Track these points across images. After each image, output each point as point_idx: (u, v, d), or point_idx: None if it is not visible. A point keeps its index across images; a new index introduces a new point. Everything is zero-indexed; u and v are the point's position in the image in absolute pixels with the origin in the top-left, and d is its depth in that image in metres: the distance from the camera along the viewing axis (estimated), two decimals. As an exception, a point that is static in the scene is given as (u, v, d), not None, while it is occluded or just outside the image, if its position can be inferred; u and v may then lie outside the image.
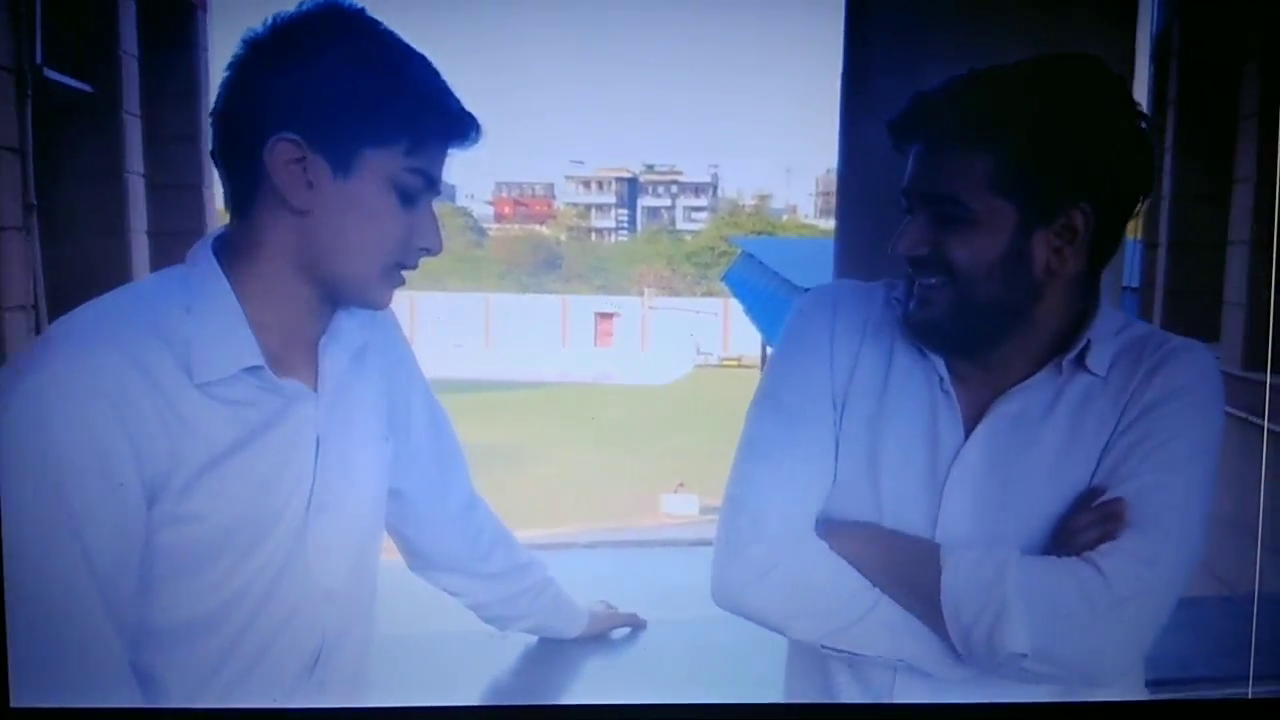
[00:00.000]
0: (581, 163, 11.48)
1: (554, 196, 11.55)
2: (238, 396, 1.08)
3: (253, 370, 1.08)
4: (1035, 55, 1.08)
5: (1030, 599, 1.07)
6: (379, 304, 1.15)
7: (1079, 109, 1.07)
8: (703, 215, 10.17)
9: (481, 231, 12.49)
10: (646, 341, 9.51)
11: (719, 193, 10.40)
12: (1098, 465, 1.12)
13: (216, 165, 1.10)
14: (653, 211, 10.35)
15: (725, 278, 7.60)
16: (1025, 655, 1.07)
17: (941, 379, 1.16)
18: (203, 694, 1.04)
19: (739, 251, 7.02)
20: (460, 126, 1.11)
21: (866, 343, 1.19)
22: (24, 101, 3.12)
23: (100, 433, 1.00)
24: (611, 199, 10.73)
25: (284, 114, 1.05)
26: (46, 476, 0.99)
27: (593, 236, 10.87)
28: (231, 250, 1.10)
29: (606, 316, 9.74)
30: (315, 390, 1.15)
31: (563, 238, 11.20)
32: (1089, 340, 1.13)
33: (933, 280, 1.11)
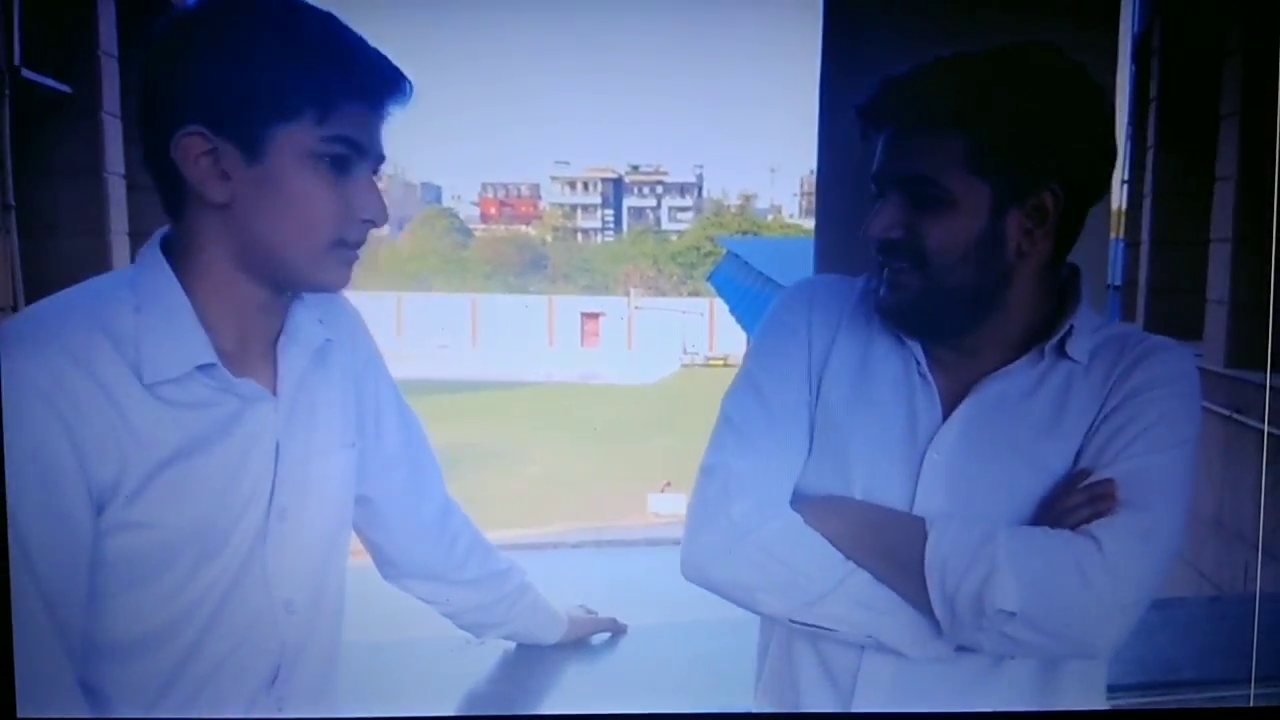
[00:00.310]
0: (567, 163, 11.49)
1: (540, 197, 11.57)
2: (190, 398, 1.02)
3: (206, 369, 1.01)
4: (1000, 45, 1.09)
5: (1022, 564, 1.06)
6: (332, 285, 1.06)
7: (1046, 91, 1.07)
8: (688, 215, 10.20)
9: (467, 232, 12.48)
10: (632, 341, 9.54)
11: (704, 193, 10.44)
12: (1081, 449, 1.12)
13: (144, 170, 1.05)
14: (638, 212, 10.36)
15: (710, 277, 7.60)
16: (1014, 614, 1.07)
17: (919, 363, 1.15)
18: (155, 711, 1.00)
19: (724, 251, 7.02)
20: (376, 83, 1.01)
21: (843, 330, 1.18)
22: (1, 102, 3.08)
23: (42, 437, 0.96)
24: (597, 199, 10.73)
25: (185, 106, 0.98)
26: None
27: (578, 237, 10.87)
28: (177, 249, 1.05)
29: (592, 316, 9.74)
30: (274, 392, 1.09)
31: (548, 238, 11.19)
32: (1071, 326, 1.12)
33: (904, 265, 1.10)
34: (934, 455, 1.12)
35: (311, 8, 1.01)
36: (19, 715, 0.96)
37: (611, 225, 10.13)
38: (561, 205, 10.29)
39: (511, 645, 1.37)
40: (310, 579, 1.09)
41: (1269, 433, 2.43)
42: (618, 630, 1.45)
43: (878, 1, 1.38)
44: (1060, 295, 1.12)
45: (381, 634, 1.37)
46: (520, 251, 10.51)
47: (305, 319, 1.08)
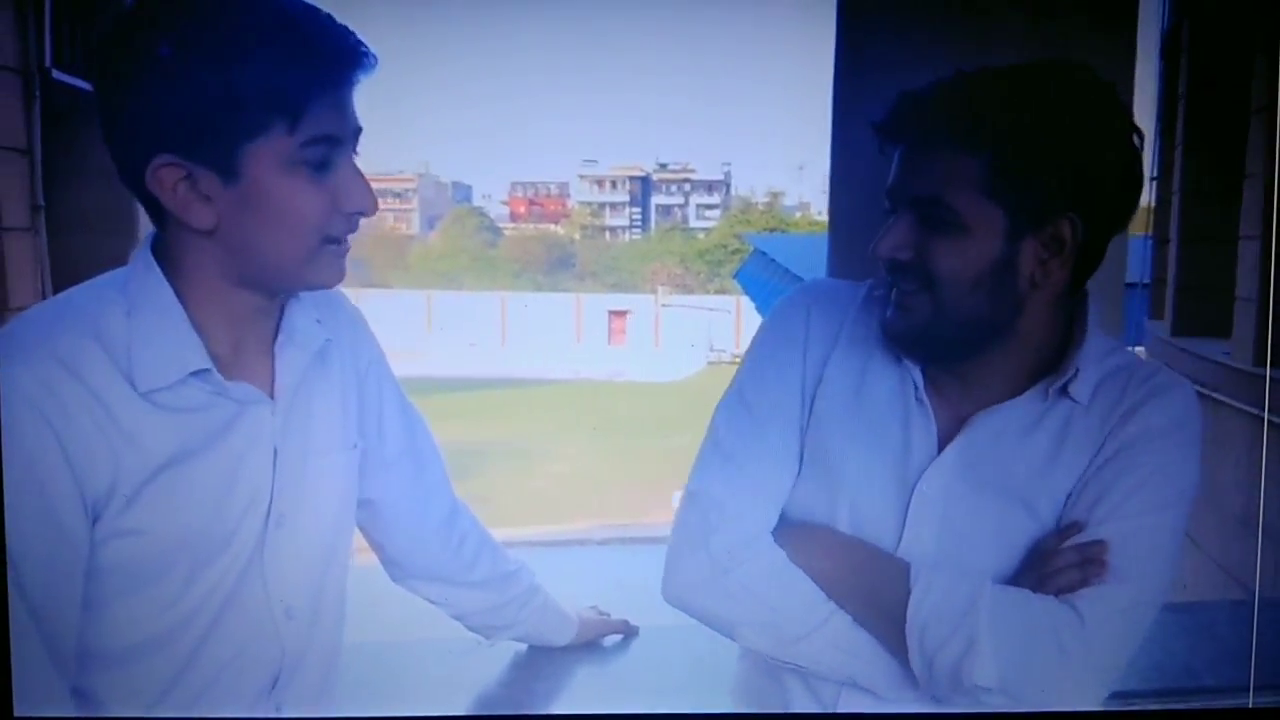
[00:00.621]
0: (595, 162, 11.49)
1: (568, 196, 11.57)
2: (185, 403, 0.99)
3: (200, 374, 0.99)
4: (1026, 59, 1.05)
5: (1002, 637, 1.04)
6: (327, 281, 1.01)
7: (1071, 115, 1.01)
8: (715, 213, 10.16)
9: (496, 231, 12.51)
10: (659, 339, 9.53)
11: (731, 190, 10.41)
12: (1073, 494, 1.09)
13: (126, 189, 1.00)
14: (665, 209, 10.34)
15: (737, 275, 7.58)
16: (990, 689, 1.04)
17: (916, 388, 1.11)
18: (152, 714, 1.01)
19: (751, 249, 7.00)
20: (338, 65, 0.94)
21: (841, 344, 1.14)
22: (32, 103, 3.12)
23: (34, 446, 0.93)
24: (625, 197, 10.72)
25: (152, 136, 0.93)
26: None
27: (606, 235, 10.86)
28: (167, 253, 1.00)
29: (619, 314, 9.74)
30: (272, 395, 1.05)
31: (576, 236, 11.19)
32: (1077, 370, 1.07)
33: (912, 288, 1.06)
34: (925, 488, 1.10)
35: (253, 4, 0.94)
36: (15, 714, 0.96)
37: (639, 223, 10.11)
38: (589, 204, 10.29)
39: (522, 647, 1.38)
40: (310, 584, 1.09)
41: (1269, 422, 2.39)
42: (629, 632, 1.45)
43: (889, 4, 1.36)
44: (1068, 322, 1.09)
45: (391, 634, 1.37)
46: (549, 250, 10.53)
47: (303, 320, 1.06)
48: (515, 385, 9.48)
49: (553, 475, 8.02)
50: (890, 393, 1.14)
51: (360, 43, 0.96)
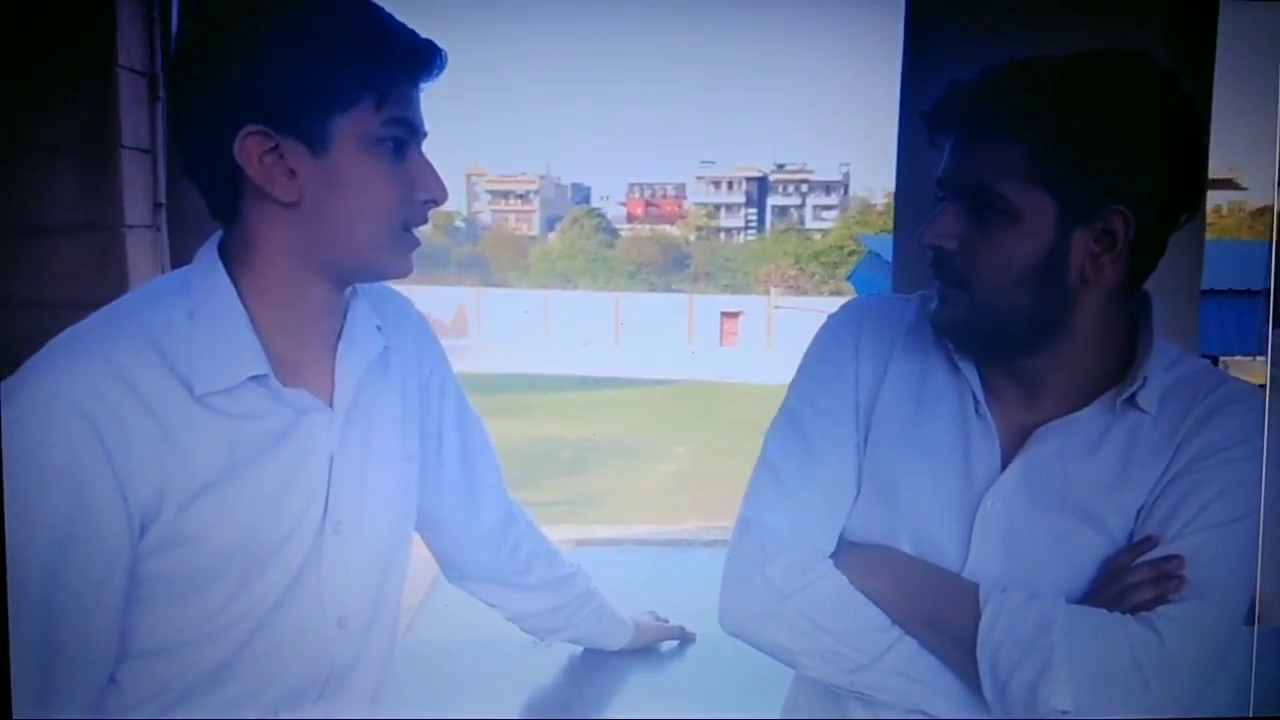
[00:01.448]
0: (712, 163, 11.50)
1: (684, 197, 11.60)
2: (242, 409, 0.99)
3: (258, 379, 0.99)
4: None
5: (1078, 658, 0.99)
6: (398, 271, 1.01)
7: (1126, 104, 0.98)
8: (832, 214, 10.05)
9: (613, 232, 12.62)
10: (771, 341, 9.46)
11: (849, 191, 10.28)
12: (1144, 508, 1.03)
13: (188, 175, 1.01)
14: (782, 210, 10.27)
15: (850, 277, 7.47)
16: (1067, 712, 1.00)
17: (977, 401, 1.06)
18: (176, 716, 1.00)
19: (866, 250, 6.89)
20: (420, 60, 0.99)
21: (896, 357, 1.09)
22: (155, 103, 3.25)
23: (78, 456, 0.94)
24: (741, 198, 10.69)
25: (242, 105, 0.96)
26: (26, 507, 0.92)
27: (721, 236, 10.85)
28: (233, 251, 1.00)
29: (732, 315, 9.72)
30: (332, 401, 1.04)
31: (691, 238, 11.22)
32: (1144, 379, 1.03)
33: (954, 279, 1.01)
34: (989, 505, 1.04)
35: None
36: (14, 716, 0.97)
37: (754, 224, 10.07)
38: (705, 205, 10.30)
39: (577, 649, 1.37)
40: (367, 594, 1.08)
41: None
42: (686, 638, 1.43)
43: (956, 8, 1.30)
44: (1131, 327, 1.04)
45: (448, 634, 1.38)
46: (664, 250, 10.57)
47: (365, 326, 1.05)
48: (627, 385, 9.54)
49: (662, 475, 8.04)
50: (950, 407, 1.09)
51: (437, 47, 1.00)
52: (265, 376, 0.98)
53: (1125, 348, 1.04)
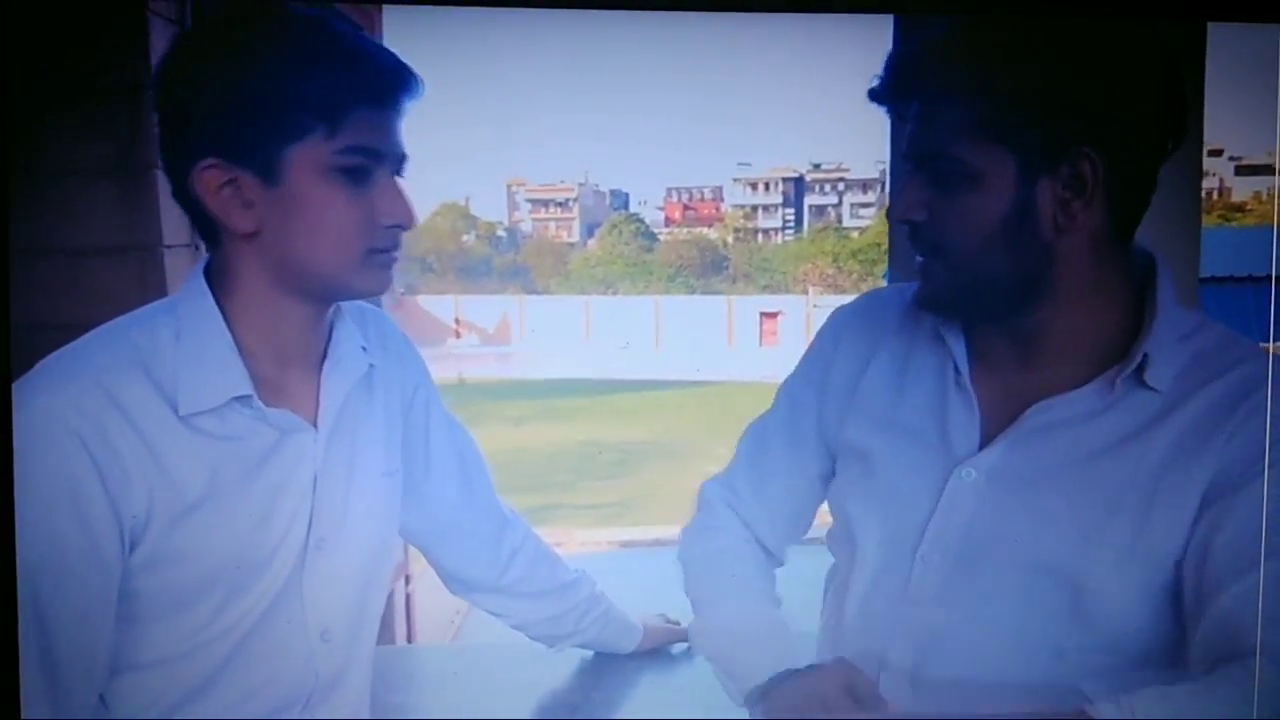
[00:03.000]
0: (749, 164, 11.48)
1: (721, 199, 11.59)
2: (227, 430, 1.00)
3: (243, 400, 1.00)
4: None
5: None
6: (372, 290, 1.03)
7: (1073, 43, 0.94)
8: (869, 211, 10.00)
9: (652, 237, 12.62)
10: (810, 340, 9.39)
11: (886, 188, 10.17)
12: (1191, 537, 0.95)
13: (178, 204, 1.03)
14: (819, 209, 10.23)
15: (888, 274, 7.42)
16: None
17: (958, 373, 1.02)
18: None
19: (902, 248, 6.86)
20: (381, 84, 0.98)
21: (885, 343, 1.06)
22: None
23: (71, 474, 0.95)
24: (778, 199, 10.65)
25: (198, 139, 0.97)
26: (22, 524, 0.96)
27: (759, 237, 10.83)
28: (217, 274, 1.02)
29: (771, 316, 9.69)
30: (316, 421, 1.05)
31: (729, 239, 11.20)
32: (1146, 354, 0.95)
33: (930, 250, 0.98)
34: (966, 474, 1.02)
35: (303, 16, 0.99)
36: (23, 716, 0.98)
37: (792, 224, 10.06)
38: (743, 206, 10.30)
39: (588, 653, 1.38)
40: (350, 607, 1.10)
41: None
42: (696, 640, 1.44)
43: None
44: (1137, 294, 0.99)
45: (478, 634, 1.38)
46: (702, 253, 10.59)
47: (349, 346, 1.07)
48: (668, 387, 9.55)
49: (704, 476, 7.98)
50: (930, 382, 1.05)
51: (405, 69, 0.99)
52: (249, 397, 1.00)
53: (1130, 318, 0.99)
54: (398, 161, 1.00)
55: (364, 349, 1.09)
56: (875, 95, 1.00)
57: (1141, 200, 0.97)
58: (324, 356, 1.07)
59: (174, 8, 3.04)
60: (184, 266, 3.22)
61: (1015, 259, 0.96)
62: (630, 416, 9.02)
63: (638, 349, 9.90)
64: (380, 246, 0.99)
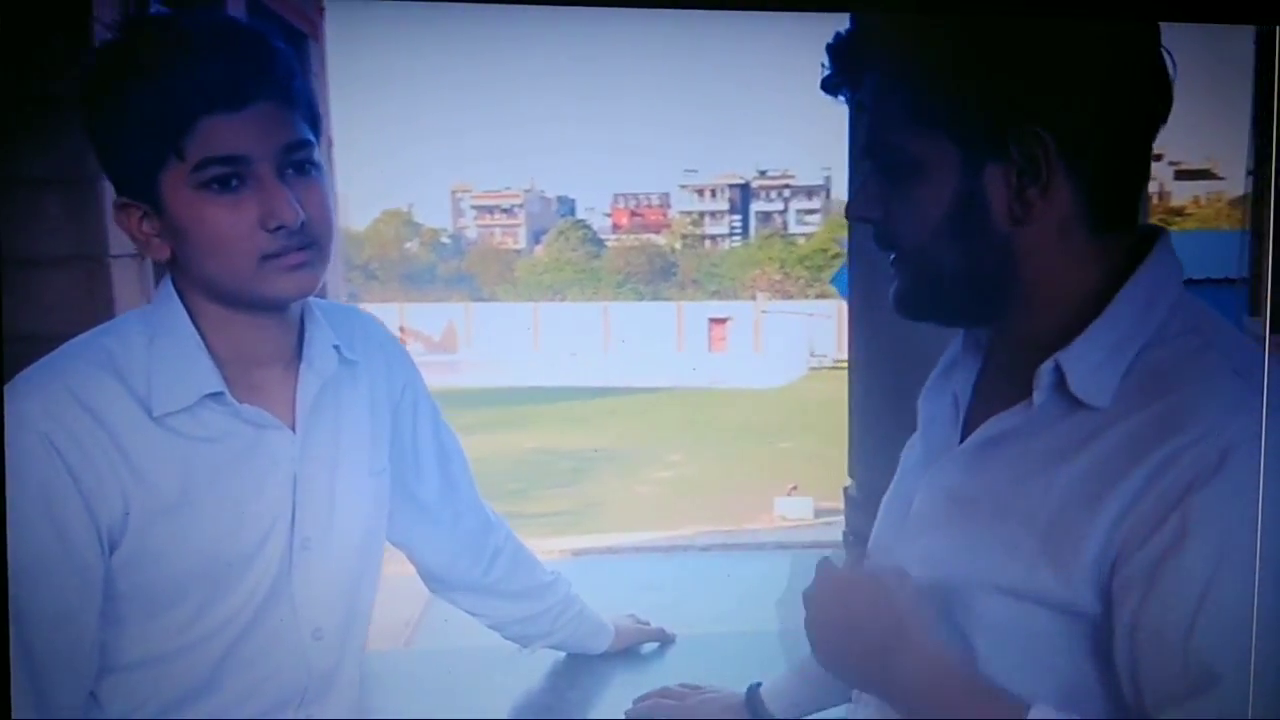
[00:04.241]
0: (695, 171, 11.56)
1: (669, 206, 11.66)
2: (203, 430, 1.02)
3: (215, 397, 1.02)
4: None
5: None
6: (283, 294, 1.01)
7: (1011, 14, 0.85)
8: (815, 218, 10.12)
9: (600, 243, 12.66)
10: (760, 345, 9.53)
11: (831, 195, 10.34)
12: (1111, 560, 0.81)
13: None
14: (765, 216, 10.33)
15: (835, 280, 7.51)
16: None
17: (960, 378, 0.96)
18: None
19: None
20: (219, 88, 0.95)
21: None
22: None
23: (47, 479, 0.97)
24: (725, 205, 10.75)
25: (111, 177, 1.00)
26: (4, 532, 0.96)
27: (706, 243, 10.91)
28: (180, 283, 1.03)
29: (720, 321, 9.78)
30: (294, 420, 1.07)
31: (677, 246, 11.27)
32: (1057, 362, 0.84)
33: (892, 251, 0.91)
34: (919, 505, 0.95)
35: (153, 24, 1.00)
36: (14, 716, 0.98)
37: (739, 230, 10.13)
38: (690, 213, 10.36)
39: (560, 654, 1.40)
40: (340, 606, 1.10)
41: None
42: (666, 640, 1.46)
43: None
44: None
45: (431, 641, 1.41)
46: (650, 260, 10.63)
47: (322, 347, 1.08)
48: (619, 394, 9.57)
49: (657, 481, 8.07)
50: (941, 382, 1.00)
51: (261, 56, 0.97)
52: (221, 394, 1.01)
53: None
54: (282, 154, 0.97)
55: (336, 348, 1.09)
56: (824, 85, 0.93)
57: (1124, 183, 0.87)
58: (301, 358, 1.07)
59: (120, 17, 3.00)
60: (130, 276, 3.16)
61: (971, 256, 0.87)
62: (581, 424, 9.02)
63: (587, 356, 9.91)
64: (270, 251, 0.98)
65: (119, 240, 3.20)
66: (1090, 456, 0.83)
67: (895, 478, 1.03)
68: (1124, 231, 0.86)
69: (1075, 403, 0.84)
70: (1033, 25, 0.83)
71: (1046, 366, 0.85)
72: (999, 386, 0.92)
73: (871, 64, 0.89)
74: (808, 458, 7.73)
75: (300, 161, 0.99)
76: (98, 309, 3.09)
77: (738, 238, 10.31)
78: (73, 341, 1.03)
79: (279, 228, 0.97)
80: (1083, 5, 0.96)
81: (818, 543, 6.63)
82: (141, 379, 1.00)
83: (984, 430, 0.90)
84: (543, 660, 1.39)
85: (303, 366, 1.07)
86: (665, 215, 10.58)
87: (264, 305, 1.03)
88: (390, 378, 1.17)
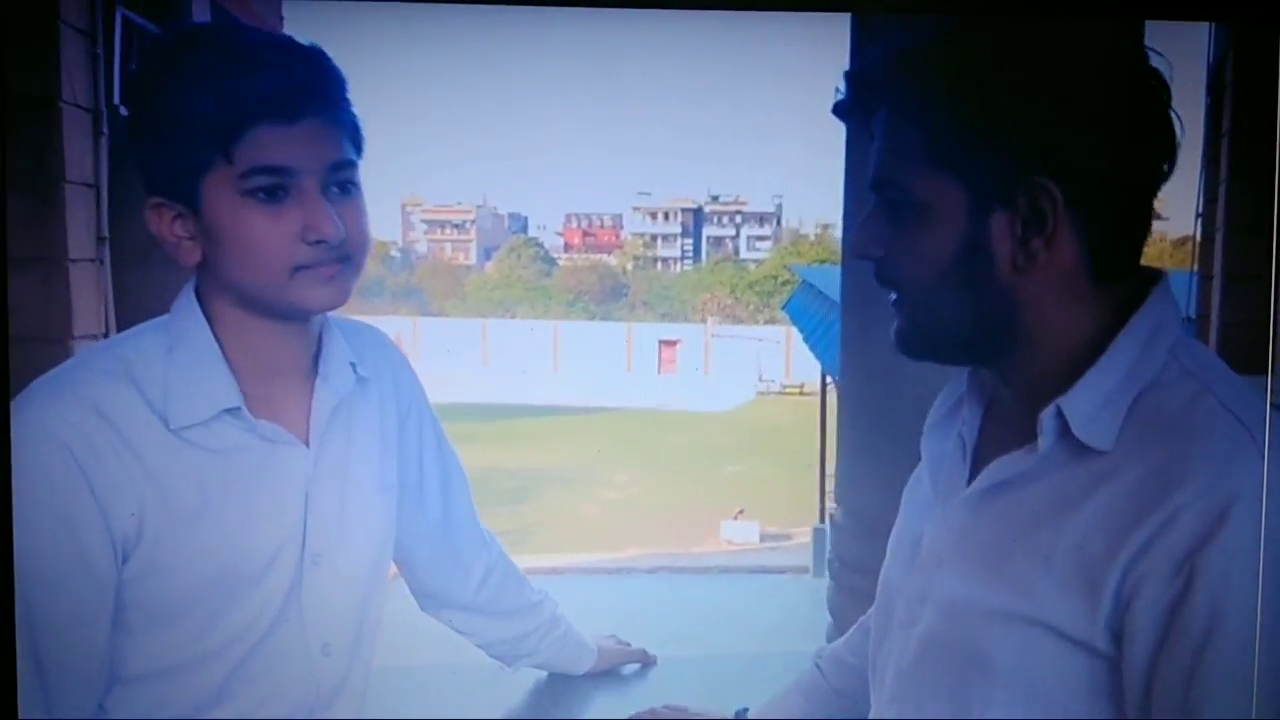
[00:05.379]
0: (648, 194, 11.63)
1: (621, 227, 11.71)
2: (219, 443, 1.02)
3: (232, 412, 1.02)
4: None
5: None
6: (314, 304, 1.02)
7: (1028, 58, 0.84)
8: (766, 244, 10.23)
9: (551, 261, 12.65)
10: (709, 368, 9.59)
11: (782, 222, 10.47)
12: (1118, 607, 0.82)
13: None
14: (717, 241, 10.43)
15: (786, 306, 7.58)
16: None
17: (964, 421, 0.95)
18: None
19: (800, 280, 7.03)
20: (276, 99, 0.97)
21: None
22: (99, 138, 3.24)
23: (63, 487, 0.97)
24: (677, 229, 10.82)
25: (144, 177, 1.00)
26: (15, 540, 0.96)
27: (658, 265, 10.97)
28: (200, 294, 1.04)
29: (670, 344, 9.82)
30: (307, 436, 1.07)
31: (629, 267, 11.32)
32: (1057, 405, 0.84)
33: (891, 290, 0.91)
34: (927, 537, 0.95)
35: (204, 31, 1.01)
36: (20, 717, 0.98)
37: (691, 254, 10.21)
38: (642, 235, 10.41)
39: (543, 674, 1.41)
40: (349, 621, 1.11)
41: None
42: (648, 661, 1.47)
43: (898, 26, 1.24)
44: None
45: (415, 658, 1.41)
46: (601, 280, 10.65)
47: (339, 364, 1.09)
48: (566, 413, 9.56)
49: (603, 503, 8.06)
50: (945, 431, 0.99)
51: (313, 74, 0.98)
52: (238, 409, 1.01)
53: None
54: (328, 171, 0.99)
55: (353, 365, 1.10)
56: (836, 109, 0.93)
57: (1127, 236, 0.87)
58: (317, 374, 1.08)
59: (86, 20, 2.95)
60: (89, 280, 3.11)
61: (973, 302, 0.87)
62: (528, 442, 8.98)
63: (536, 374, 9.89)
64: (305, 263, 0.99)
65: (78, 244, 3.14)
66: (1098, 504, 0.83)
67: (900, 516, 1.03)
68: (1125, 278, 0.87)
69: (1080, 446, 0.84)
70: (1052, 80, 0.84)
71: (1049, 412, 0.85)
72: (1005, 427, 0.92)
73: (889, 96, 0.88)
74: (755, 482, 7.78)
75: (344, 181, 1.00)
76: (54, 312, 3.04)
77: (689, 261, 10.38)
78: (90, 349, 1.03)
79: (319, 241, 0.98)
80: (1065, 5, 0.98)
81: (761, 567, 6.67)
82: (159, 391, 1.00)
83: (991, 474, 0.90)
84: (525, 679, 1.39)
85: (319, 382, 1.07)
86: (618, 236, 10.62)
87: (291, 314, 1.03)
88: (399, 395, 1.18)
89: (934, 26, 0.89)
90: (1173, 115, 0.85)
